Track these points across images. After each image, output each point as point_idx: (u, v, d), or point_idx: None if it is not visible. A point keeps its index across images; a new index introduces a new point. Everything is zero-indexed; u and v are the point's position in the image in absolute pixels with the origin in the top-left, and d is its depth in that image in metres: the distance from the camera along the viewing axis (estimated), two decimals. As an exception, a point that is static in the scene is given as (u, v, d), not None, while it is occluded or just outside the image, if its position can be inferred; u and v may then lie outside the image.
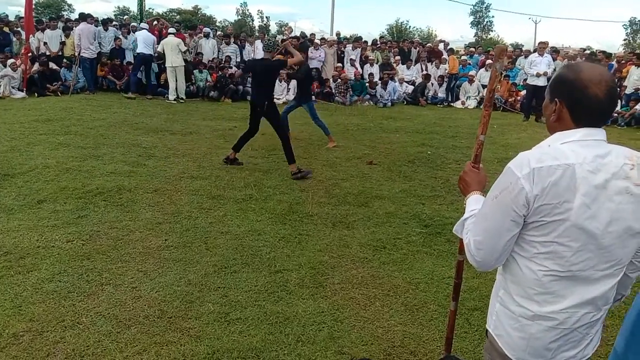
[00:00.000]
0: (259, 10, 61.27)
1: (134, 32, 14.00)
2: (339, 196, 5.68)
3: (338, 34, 18.88)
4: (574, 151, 1.42)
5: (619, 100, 12.36)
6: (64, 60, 13.21)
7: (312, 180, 6.23)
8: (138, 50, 12.83)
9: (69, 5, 53.74)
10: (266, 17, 60.58)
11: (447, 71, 15.72)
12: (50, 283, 3.48)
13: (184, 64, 12.55)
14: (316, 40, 15.84)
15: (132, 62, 13.41)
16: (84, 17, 13.55)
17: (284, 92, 13.89)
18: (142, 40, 12.68)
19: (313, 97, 8.34)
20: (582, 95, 1.44)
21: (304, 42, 10.54)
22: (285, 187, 5.89)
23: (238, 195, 5.53)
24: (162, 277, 3.64)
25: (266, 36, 6.50)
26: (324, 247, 4.29)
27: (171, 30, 13.20)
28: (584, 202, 1.39)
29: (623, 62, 14.14)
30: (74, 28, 13.23)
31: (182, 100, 12.52)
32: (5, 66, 11.99)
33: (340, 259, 4.09)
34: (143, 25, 14.06)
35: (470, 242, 1.53)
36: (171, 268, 3.79)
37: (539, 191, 1.39)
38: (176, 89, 12.62)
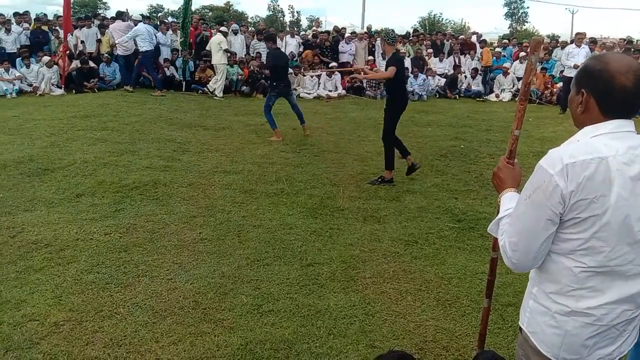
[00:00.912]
0: (289, 6, 61.24)
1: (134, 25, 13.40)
2: (370, 190, 5.66)
3: (369, 28, 18.74)
4: (606, 144, 1.39)
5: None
6: (105, 55, 13.49)
7: (342, 175, 6.23)
8: (142, 49, 12.46)
9: (104, 3, 54.86)
10: (297, 12, 60.66)
11: (480, 64, 15.42)
12: (89, 274, 3.59)
13: (224, 62, 12.59)
14: (347, 34, 15.80)
15: (169, 58, 13.63)
16: (119, 15, 13.85)
17: (314, 87, 13.92)
18: (147, 37, 12.43)
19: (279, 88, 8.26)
20: (610, 85, 1.41)
21: (269, 33, 10.29)
22: (316, 182, 5.91)
23: (270, 189, 5.58)
24: (197, 270, 3.71)
25: (385, 30, 6.28)
26: (355, 241, 4.29)
27: (223, 28, 13.42)
28: (621, 195, 1.36)
29: (666, 52, 13.58)
30: (109, 26, 13.53)
31: (215, 97, 12.62)
32: (43, 65, 12.39)
33: (371, 253, 4.08)
34: (136, 16, 13.92)
35: (506, 243, 1.50)
36: (205, 260, 3.86)
37: (574, 187, 1.36)
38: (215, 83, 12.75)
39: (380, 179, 5.97)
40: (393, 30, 6.35)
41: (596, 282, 1.43)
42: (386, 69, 6.05)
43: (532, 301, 1.57)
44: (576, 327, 1.47)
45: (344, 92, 14.04)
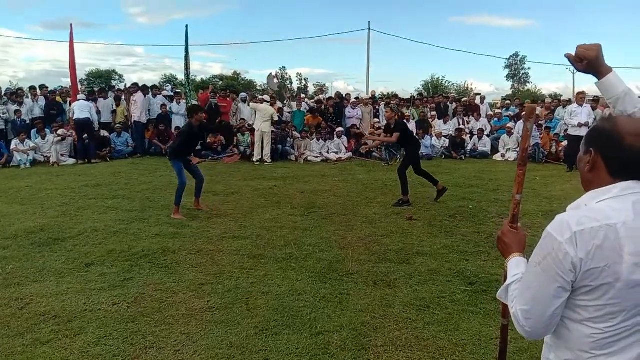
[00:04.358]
0: (298, 73, 63.35)
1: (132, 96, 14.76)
2: (379, 253, 5.62)
3: (373, 94, 19.30)
4: (614, 209, 1.39)
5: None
6: (117, 125, 14.04)
7: (351, 238, 6.21)
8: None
9: (120, 76, 57.07)
10: (304, 79, 62.58)
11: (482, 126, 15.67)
12: (96, 347, 3.53)
13: (270, 130, 13.32)
14: (352, 99, 16.25)
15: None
16: (140, 87, 14.69)
17: (322, 150, 14.17)
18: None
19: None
20: (619, 146, 1.42)
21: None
22: (325, 245, 5.88)
23: (278, 254, 5.56)
24: (205, 340, 3.64)
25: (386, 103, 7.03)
26: (366, 307, 4.21)
27: (266, 97, 14.13)
28: (633, 262, 1.35)
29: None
30: (133, 96, 14.20)
31: (266, 163, 13.13)
32: (57, 135, 12.82)
33: (382, 320, 3.99)
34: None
35: (518, 312, 1.47)
36: (213, 330, 3.79)
37: (583, 255, 1.35)
38: (262, 152, 13.37)
39: (400, 202, 8.05)
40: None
41: (616, 346, 1.40)
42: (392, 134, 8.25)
43: None
44: None
45: (349, 154, 14.29)
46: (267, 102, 13.79)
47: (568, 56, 1.77)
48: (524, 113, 15.08)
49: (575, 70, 1.77)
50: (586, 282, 1.37)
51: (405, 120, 12.07)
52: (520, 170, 1.81)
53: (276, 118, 13.55)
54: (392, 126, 8.44)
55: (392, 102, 16.40)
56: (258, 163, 13.07)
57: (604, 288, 1.36)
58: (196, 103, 14.27)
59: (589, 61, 1.72)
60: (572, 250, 1.35)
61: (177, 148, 7.51)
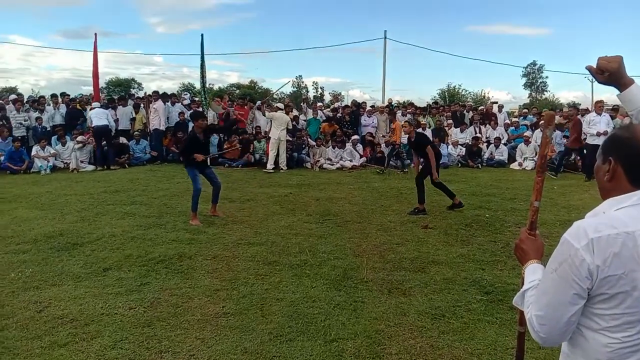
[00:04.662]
0: (314, 82, 63.56)
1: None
2: (394, 261, 5.59)
3: (390, 102, 19.30)
4: (632, 217, 1.37)
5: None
6: (136, 132, 14.25)
7: (366, 245, 6.19)
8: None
9: (139, 84, 57.94)
10: (321, 88, 62.75)
11: (500, 133, 15.56)
12: (112, 350, 3.57)
13: (286, 138, 13.50)
14: (368, 108, 16.27)
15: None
16: (161, 95, 14.90)
17: (337, 157, 14.20)
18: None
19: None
20: (638, 153, 1.41)
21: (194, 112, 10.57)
22: (339, 253, 5.87)
23: (293, 260, 5.56)
24: (219, 345, 3.66)
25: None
26: (380, 315, 4.20)
27: (280, 105, 14.51)
28: None
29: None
30: (154, 104, 14.45)
31: (282, 170, 13.26)
32: (77, 142, 13.06)
33: (397, 328, 3.97)
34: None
35: (533, 317, 1.46)
36: (228, 336, 3.81)
37: (600, 262, 1.34)
38: (276, 160, 13.46)
39: (415, 210, 8.05)
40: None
41: (634, 356, 1.38)
42: (423, 150, 8.14)
43: None
44: None
45: (364, 159, 14.33)
46: (282, 110, 13.88)
47: (589, 68, 1.76)
48: (542, 122, 14.99)
49: (596, 82, 1.76)
50: (603, 290, 1.36)
51: (421, 129, 12.08)
52: (539, 177, 1.79)
53: (290, 126, 13.64)
54: (413, 139, 8.44)
55: (408, 111, 16.39)
56: (272, 171, 13.10)
57: (620, 296, 1.34)
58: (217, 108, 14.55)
59: (610, 73, 1.71)
60: (588, 257, 1.34)
61: (182, 153, 7.63)
